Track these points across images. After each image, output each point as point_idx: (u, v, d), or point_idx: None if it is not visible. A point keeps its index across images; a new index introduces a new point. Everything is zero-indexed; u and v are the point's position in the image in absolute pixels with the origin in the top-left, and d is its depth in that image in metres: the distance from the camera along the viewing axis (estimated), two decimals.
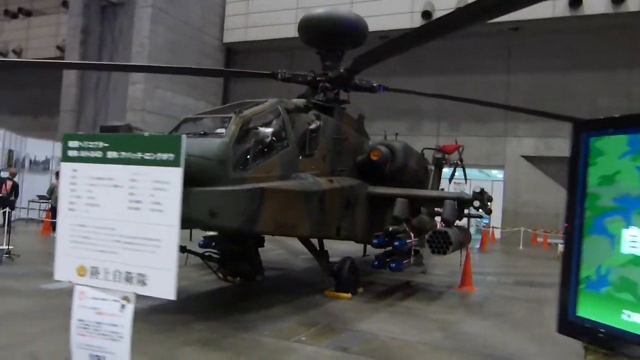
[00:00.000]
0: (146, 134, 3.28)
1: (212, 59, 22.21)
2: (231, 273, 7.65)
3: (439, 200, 8.93)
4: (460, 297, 8.62)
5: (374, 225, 8.52)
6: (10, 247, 9.25)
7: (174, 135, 3.17)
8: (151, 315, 6.17)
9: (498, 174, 22.02)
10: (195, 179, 5.45)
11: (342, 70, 8.81)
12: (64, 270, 3.38)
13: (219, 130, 6.16)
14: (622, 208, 2.54)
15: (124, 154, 3.12)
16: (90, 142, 3.22)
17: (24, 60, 21.85)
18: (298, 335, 5.69)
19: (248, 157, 6.31)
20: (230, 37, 22.98)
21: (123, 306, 3.23)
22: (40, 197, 14.18)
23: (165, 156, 3.07)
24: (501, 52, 21.05)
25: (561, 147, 20.24)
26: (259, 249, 8.91)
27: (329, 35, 9.03)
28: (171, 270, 3.03)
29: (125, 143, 3.15)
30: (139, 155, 3.07)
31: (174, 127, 6.69)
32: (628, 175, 2.50)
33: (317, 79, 9.11)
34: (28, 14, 25.74)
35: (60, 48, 23.11)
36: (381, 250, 8.27)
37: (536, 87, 20.01)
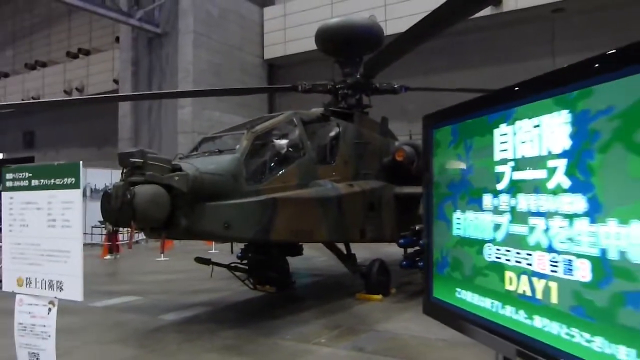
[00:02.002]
0: (56, 163, 3.65)
1: (255, 76, 22.88)
2: (259, 282, 7.93)
3: None
4: None
5: (403, 225, 8.54)
6: None
7: (73, 163, 3.59)
8: (183, 326, 6.57)
9: None
10: (210, 194, 5.83)
11: (358, 76, 8.96)
12: (9, 282, 4.08)
13: (232, 147, 6.51)
14: (451, 194, 2.68)
15: (43, 180, 3.67)
16: (20, 173, 3.81)
17: (75, 98, 23.33)
18: (319, 337, 5.87)
19: (262, 169, 6.62)
20: (270, 53, 23.59)
21: (49, 309, 3.91)
22: (101, 222, 15.20)
23: (69, 180, 3.58)
24: (545, 37, 20.30)
25: None
26: (299, 257, 9.21)
27: (345, 43, 9.22)
28: (78, 277, 3.65)
29: (43, 172, 3.71)
30: (52, 181, 3.62)
31: (194, 146, 7.11)
32: (453, 163, 2.68)
33: (337, 86, 9.32)
34: (87, 53, 27.60)
35: (116, 81, 24.59)
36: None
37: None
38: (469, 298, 2.50)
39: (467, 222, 2.47)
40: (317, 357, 5.25)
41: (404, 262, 7.98)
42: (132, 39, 21.85)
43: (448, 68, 21.01)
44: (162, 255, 12.79)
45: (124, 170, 5.61)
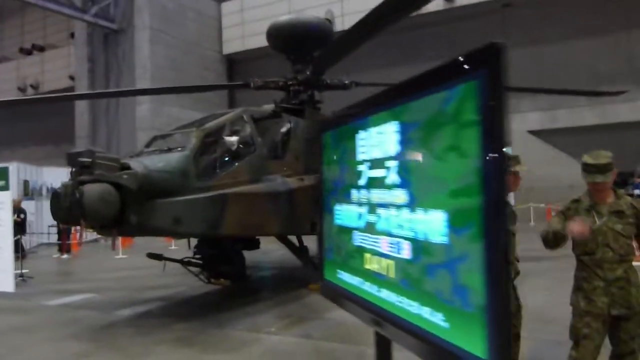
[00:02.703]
0: None
1: (214, 71, 22.86)
2: (213, 275, 8.11)
3: None
4: None
5: None
6: (24, 271, 9.98)
7: (3, 167, 3.83)
8: (139, 320, 6.72)
9: (507, 151, 21.91)
10: (160, 191, 5.98)
11: (308, 73, 9.19)
12: None
13: (181, 145, 6.66)
14: (334, 188, 3.11)
15: None
16: None
17: (27, 98, 22.74)
18: (270, 327, 6.12)
19: (213, 166, 6.79)
20: (229, 48, 23.60)
21: None
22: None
23: (2, 183, 3.97)
24: (495, 30, 20.90)
25: (567, 118, 20.10)
26: (256, 250, 9.42)
27: (295, 41, 9.43)
28: (9, 271, 4.31)
29: None
30: None
31: (146, 144, 7.22)
32: (334, 162, 3.15)
33: (289, 83, 9.53)
34: (41, 49, 26.96)
35: (72, 78, 24.14)
36: None
37: (534, 61, 19.86)
38: (345, 278, 2.95)
39: (342, 213, 2.90)
40: (266, 345, 5.49)
41: None
42: (87, 35, 21.53)
43: (404, 62, 21.41)
44: (120, 252, 12.79)
45: (73, 170, 5.70)
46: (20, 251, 10.58)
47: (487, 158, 1.56)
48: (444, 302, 1.86)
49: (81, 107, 21.51)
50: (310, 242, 8.96)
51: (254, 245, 9.29)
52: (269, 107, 8.69)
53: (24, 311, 7.45)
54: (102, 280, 9.90)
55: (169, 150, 6.64)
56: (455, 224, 1.81)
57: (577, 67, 19.01)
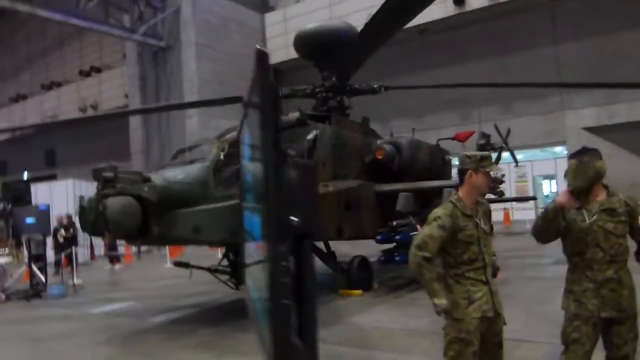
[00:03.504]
0: None
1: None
2: (242, 282, 8.23)
3: (439, 190, 9.00)
4: None
5: (384, 222, 8.78)
6: (76, 281, 10.59)
7: None
8: (170, 326, 6.97)
9: (561, 150, 21.01)
10: (180, 201, 6.21)
11: (334, 79, 9.24)
12: None
13: (203, 156, 6.88)
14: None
15: None
16: None
17: (83, 117, 23.87)
18: None
19: (233, 176, 6.95)
20: (273, 58, 23.93)
21: None
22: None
23: None
24: (545, 24, 20.15)
25: (625, 112, 19.02)
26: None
27: (321, 48, 9.49)
28: None
29: None
30: None
31: (172, 156, 7.50)
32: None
33: (316, 90, 9.63)
34: (98, 70, 28.49)
35: (127, 96, 25.32)
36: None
37: (587, 55, 18.97)
38: None
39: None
40: None
41: (382, 258, 8.24)
42: (137, 54, 22.53)
43: (449, 62, 21.05)
44: (168, 262, 13.26)
45: (98, 184, 6.02)
46: (74, 263, 11.25)
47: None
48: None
49: (135, 124, 22.51)
50: (339, 246, 9.02)
51: None
52: (294, 115, 8.80)
53: (68, 319, 7.90)
54: (145, 289, 10.33)
55: (191, 162, 6.87)
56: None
57: (634, 59, 17.95)
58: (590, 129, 19.61)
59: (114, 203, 5.69)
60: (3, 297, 9.60)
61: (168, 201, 6.05)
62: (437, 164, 10.50)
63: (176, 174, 6.41)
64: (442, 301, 2.98)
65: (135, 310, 8.23)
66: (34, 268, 10.03)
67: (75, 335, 6.86)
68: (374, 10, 20.95)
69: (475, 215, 3.13)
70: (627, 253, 3.06)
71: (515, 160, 16.72)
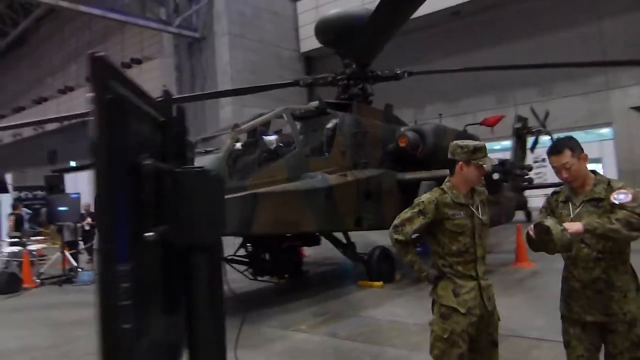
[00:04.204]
0: None
1: (292, 70, 23.21)
2: (260, 272, 8.24)
3: None
4: (506, 274, 8.34)
5: None
6: None
7: None
8: None
9: (607, 132, 19.99)
10: None
11: (354, 66, 9.06)
12: None
13: (218, 147, 6.90)
14: None
15: None
16: None
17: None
18: (301, 324, 6.15)
19: (248, 166, 6.95)
20: (306, 46, 23.81)
21: None
22: None
23: None
24: (584, 2, 19.13)
25: None
26: (316, 246, 9.48)
27: (341, 35, 9.33)
28: None
29: None
30: None
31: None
32: None
33: (337, 78, 9.47)
34: (139, 62, 29.04)
35: (164, 86, 25.75)
36: None
37: (634, 29, 17.89)
38: None
39: None
40: (289, 343, 5.53)
41: None
42: (173, 46, 22.87)
43: (484, 44, 20.33)
44: None
45: None
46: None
47: None
48: None
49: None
50: (357, 237, 8.90)
51: (314, 241, 9.32)
52: (313, 104, 8.70)
53: (88, 306, 8.13)
54: None
55: (206, 153, 6.89)
56: None
57: None
58: (638, 109, 18.56)
59: None
60: (38, 281, 10.02)
61: None
62: None
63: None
64: (431, 270, 2.96)
65: None
66: (67, 254, 10.40)
67: (92, 323, 7.04)
68: None
69: (471, 203, 2.98)
70: (620, 249, 2.74)
71: None
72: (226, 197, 5.50)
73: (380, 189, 8.39)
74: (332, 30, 9.47)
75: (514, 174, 9.48)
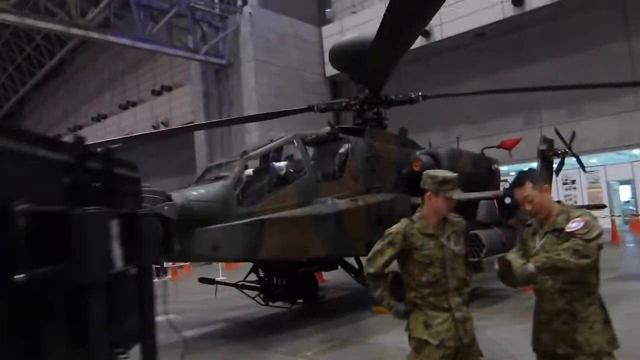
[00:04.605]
0: None
1: (318, 95, 23.43)
2: (271, 298, 8.24)
3: (475, 202, 8.56)
4: (521, 300, 8.09)
5: None
6: None
7: None
8: (197, 341, 7.09)
9: (638, 153, 19.40)
10: (200, 219, 6.34)
11: (366, 91, 9.12)
12: None
13: (227, 174, 7.01)
14: None
15: None
16: None
17: (146, 133, 24.85)
18: (308, 350, 6.12)
19: (257, 193, 7.04)
20: (331, 70, 23.92)
21: None
22: None
23: None
24: (616, 18, 18.78)
25: None
26: (335, 271, 9.47)
27: (354, 60, 9.40)
28: None
29: None
30: None
31: (201, 174, 7.69)
32: None
33: (351, 103, 9.54)
34: (169, 89, 29.93)
35: (194, 112, 26.39)
36: None
37: None
38: None
39: None
40: None
41: None
42: (201, 73, 23.47)
43: (511, 66, 20.15)
44: (221, 274, 13.59)
45: None
46: None
47: None
48: None
49: (199, 140, 23.41)
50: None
51: (331, 266, 9.31)
52: (326, 129, 8.77)
53: None
54: (189, 302, 10.60)
55: (216, 179, 7.01)
56: None
57: None
58: None
59: None
60: None
61: (188, 219, 6.19)
62: (481, 173, 10.03)
63: (198, 192, 6.56)
64: (400, 306, 2.96)
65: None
66: None
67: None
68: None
69: (441, 234, 2.95)
70: (584, 280, 2.68)
71: (582, 166, 15.60)
72: (231, 224, 5.56)
73: (392, 214, 8.31)
74: (345, 56, 9.58)
75: None
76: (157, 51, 21.83)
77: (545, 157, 14.67)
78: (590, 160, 20.01)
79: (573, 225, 2.62)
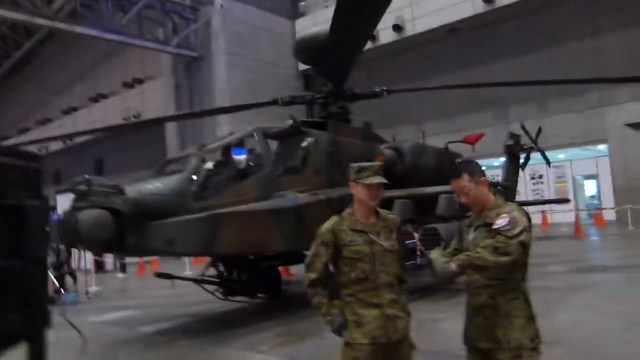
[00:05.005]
0: None
1: (291, 88, 23.20)
2: (230, 293, 8.17)
3: (435, 196, 8.62)
4: None
5: None
6: (92, 289, 10.93)
7: None
8: (155, 337, 7.05)
9: (603, 148, 19.79)
10: (154, 213, 6.23)
11: (329, 84, 9.09)
12: None
13: (184, 167, 6.91)
14: None
15: None
16: None
17: (116, 125, 24.38)
18: (263, 345, 6.08)
19: (214, 186, 6.95)
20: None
21: None
22: None
23: None
24: (585, 16, 19.03)
25: None
26: (300, 265, 9.43)
27: (319, 54, 9.34)
28: None
29: None
30: None
31: (157, 168, 7.57)
32: None
33: (315, 96, 9.51)
34: (140, 82, 29.45)
35: (165, 106, 26.01)
36: None
37: (631, 46, 17.79)
38: None
39: None
40: None
41: None
42: (172, 66, 23.16)
43: (483, 61, 20.33)
44: (188, 269, 13.46)
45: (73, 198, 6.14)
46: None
47: None
48: None
49: (170, 133, 23.10)
50: None
51: (297, 259, 9.26)
52: (287, 123, 8.71)
53: (63, 327, 8.09)
54: (154, 297, 10.49)
55: (173, 173, 6.91)
56: None
57: None
58: (633, 125, 18.36)
59: (85, 216, 5.77)
60: None
61: (141, 213, 6.08)
62: (445, 168, 10.07)
63: (152, 186, 6.45)
64: (337, 317, 2.87)
65: (131, 319, 8.36)
66: (50, 276, 10.41)
67: (62, 345, 6.99)
68: (402, 13, 20.49)
69: (371, 230, 2.94)
70: (509, 276, 2.65)
71: (547, 161, 15.88)
72: (185, 218, 5.46)
73: None
74: (308, 49, 9.55)
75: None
76: (126, 43, 21.43)
77: (512, 152, 14.91)
78: (557, 155, 20.38)
79: (499, 222, 2.61)
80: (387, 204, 8.61)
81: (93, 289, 11.17)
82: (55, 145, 33.66)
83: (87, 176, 6.13)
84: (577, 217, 15.55)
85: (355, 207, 2.98)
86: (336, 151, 8.58)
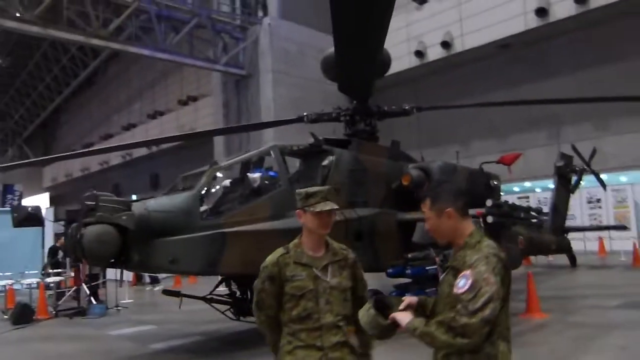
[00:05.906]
0: None
1: (335, 105, 23.24)
2: (242, 313, 7.96)
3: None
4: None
5: (407, 252, 8.12)
6: (123, 301, 11.10)
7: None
8: (164, 354, 7.01)
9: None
10: (161, 230, 6.20)
11: (354, 102, 8.86)
12: None
13: (195, 184, 6.85)
14: None
15: None
16: None
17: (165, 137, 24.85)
18: None
19: (225, 204, 6.86)
20: None
21: None
22: None
23: None
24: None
25: None
26: None
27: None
28: None
29: None
30: None
31: (172, 184, 7.55)
32: None
33: (342, 114, 9.30)
34: (194, 99, 30.34)
35: (215, 123, 26.57)
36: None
37: None
38: None
39: None
40: None
41: (393, 293, 7.58)
42: (222, 84, 23.67)
43: (532, 78, 19.42)
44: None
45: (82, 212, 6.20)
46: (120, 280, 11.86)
47: None
48: None
49: (218, 149, 23.52)
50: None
51: None
52: (310, 141, 8.53)
53: (83, 339, 8.24)
54: (178, 312, 10.42)
55: (184, 189, 6.87)
56: None
57: None
58: None
59: (90, 231, 5.81)
60: (53, 313, 10.29)
61: (147, 230, 6.06)
62: (478, 190, 9.54)
63: (158, 202, 6.43)
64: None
65: (148, 334, 8.37)
66: (84, 287, 10.66)
67: (75, 357, 7.10)
68: (450, 29, 20.07)
69: (317, 264, 2.67)
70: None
71: (602, 184, 14.88)
72: (190, 236, 5.34)
73: (373, 230, 7.99)
74: (332, 66, 9.34)
75: (516, 217, 8.78)
76: (177, 62, 22.11)
77: (562, 174, 14.06)
78: (618, 178, 19.06)
79: (460, 284, 2.10)
80: (408, 226, 8.23)
81: (125, 301, 11.33)
82: (115, 160, 35.17)
83: (95, 192, 6.20)
84: (635, 245, 14.33)
85: (303, 238, 2.72)
86: (359, 170, 8.30)
